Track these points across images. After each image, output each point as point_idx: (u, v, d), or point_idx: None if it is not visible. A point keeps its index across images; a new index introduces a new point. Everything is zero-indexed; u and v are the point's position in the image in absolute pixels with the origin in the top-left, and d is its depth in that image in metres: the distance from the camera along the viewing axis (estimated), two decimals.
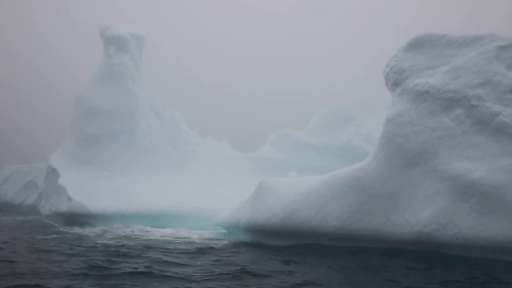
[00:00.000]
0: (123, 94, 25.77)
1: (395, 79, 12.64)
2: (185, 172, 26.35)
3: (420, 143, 11.69)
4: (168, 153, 26.88)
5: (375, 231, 11.66)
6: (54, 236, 15.39)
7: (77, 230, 18.00)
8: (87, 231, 17.39)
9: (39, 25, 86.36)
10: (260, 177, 28.57)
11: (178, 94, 59.50)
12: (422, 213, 11.21)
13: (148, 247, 12.15)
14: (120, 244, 12.78)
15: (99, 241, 13.58)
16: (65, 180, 23.37)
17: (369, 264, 10.08)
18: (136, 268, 8.55)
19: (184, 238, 14.84)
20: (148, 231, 17.28)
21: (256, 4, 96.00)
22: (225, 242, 13.67)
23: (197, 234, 16.13)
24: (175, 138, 27.79)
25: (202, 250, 11.73)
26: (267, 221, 13.13)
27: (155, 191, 23.45)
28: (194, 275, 8.17)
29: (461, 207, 10.88)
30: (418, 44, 12.68)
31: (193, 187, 24.80)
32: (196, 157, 27.76)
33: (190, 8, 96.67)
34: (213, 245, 12.81)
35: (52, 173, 24.90)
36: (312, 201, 12.58)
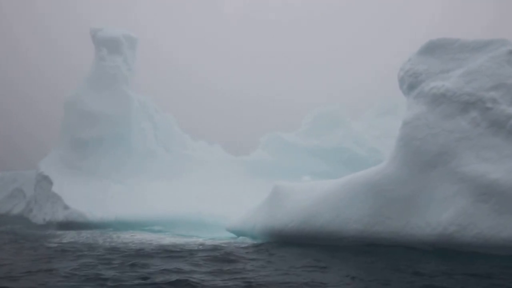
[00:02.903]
0: (117, 98, 25.30)
1: (411, 82, 12.85)
2: (180, 177, 26.10)
3: (438, 145, 11.89)
4: (162, 158, 26.56)
5: (396, 233, 11.79)
6: None
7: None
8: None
9: (50, 27, 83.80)
10: (254, 181, 28.81)
11: (171, 96, 58.85)
12: (442, 214, 11.40)
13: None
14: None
15: None
16: (59, 187, 22.74)
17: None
18: None
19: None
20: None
21: (257, 10, 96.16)
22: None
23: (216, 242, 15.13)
24: (168, 142, 27.49)
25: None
26: (285, 225, 13.09)
27: (151, 198, 23.12)
28: None
29: (481, 208, 11.11)
30: (432, 48, 12.93)
31: (189, 192, 24.57)
32: (190, 161, 27.53)
33: (190, 9, 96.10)
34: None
35: (44, 180, 24.15)
36: (331, 204, 12.62)
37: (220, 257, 10.61)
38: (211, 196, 24.42)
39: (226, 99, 69.06)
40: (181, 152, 27.48)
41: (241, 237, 15.20)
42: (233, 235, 16.01)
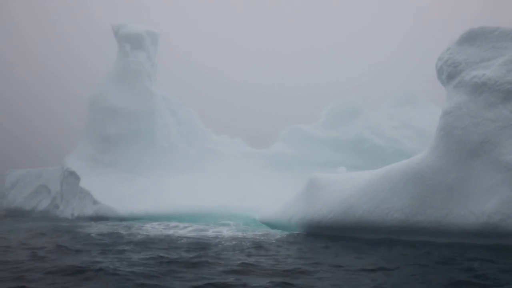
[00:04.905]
0: (141, 93, 25.46)
1: (450, 72, 12.78)
2: (204, 170, 26.29)
3: (480, 134, 11.84)
4: (186, 152, 26.73)
5: (438, 223, 11.78)
6: None
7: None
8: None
9: (57, 25, 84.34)
10: (276, 173, 28.90)
11: (191, 90, 59.06)
12: (486, 203, 11.36)
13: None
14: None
15: None
16: (87, 183, 23.00)
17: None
18: None
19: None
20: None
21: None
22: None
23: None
24: (191, 137, 27.65)
25: None
26: (324, 216, 13.15)
27: (178, 191, 23.31)
28: None
29: None
30: (471, 37, 12.84)
31: (215, 185, 24.75)
32: (213, 155, 27.69)
33: (206, 3, 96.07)
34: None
35: (70, 176, 24.45)
36: (370, 195, 12.65)
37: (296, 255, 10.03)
38: (236, 188, 24.58)
39: (244, 93, 69.17)
40: (204, 146, 27.64)
41: (276, 229, 15.34)
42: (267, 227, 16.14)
